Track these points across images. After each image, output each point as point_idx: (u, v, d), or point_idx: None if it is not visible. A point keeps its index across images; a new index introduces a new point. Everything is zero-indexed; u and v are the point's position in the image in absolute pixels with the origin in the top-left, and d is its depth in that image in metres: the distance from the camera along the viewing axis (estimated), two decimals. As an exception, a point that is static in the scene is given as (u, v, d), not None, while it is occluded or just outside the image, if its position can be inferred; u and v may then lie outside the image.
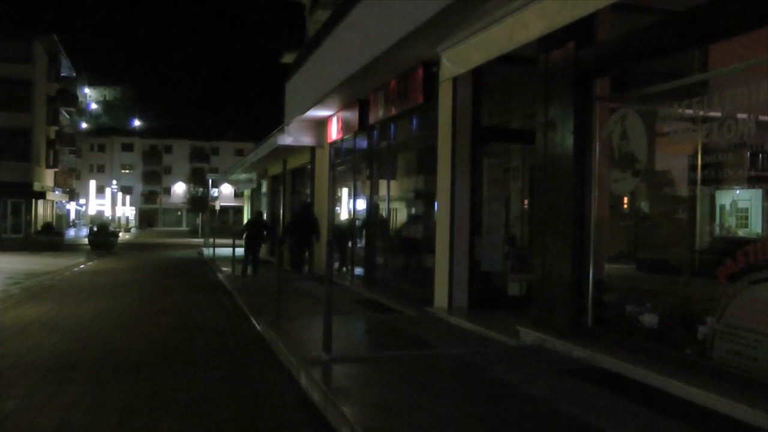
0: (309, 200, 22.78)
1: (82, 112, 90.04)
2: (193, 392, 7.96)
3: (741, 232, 7.64)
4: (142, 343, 10.88)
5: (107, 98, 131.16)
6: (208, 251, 34.19)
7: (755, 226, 7.51)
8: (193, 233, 73.30)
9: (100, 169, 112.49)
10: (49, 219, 54.77)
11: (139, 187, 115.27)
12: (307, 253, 21.68)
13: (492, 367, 8.16)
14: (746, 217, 7.63)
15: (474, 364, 8.36)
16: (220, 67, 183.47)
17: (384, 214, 16.60)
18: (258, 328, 11.82)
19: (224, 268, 24.03)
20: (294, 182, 27.59)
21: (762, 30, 6.74)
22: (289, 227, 21.45)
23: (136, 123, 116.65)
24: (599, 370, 8.01)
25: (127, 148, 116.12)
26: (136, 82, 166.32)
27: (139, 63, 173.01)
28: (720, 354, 7.18)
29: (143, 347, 10.58)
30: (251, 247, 22.17)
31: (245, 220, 43.63)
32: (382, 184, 16.88)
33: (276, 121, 23.55)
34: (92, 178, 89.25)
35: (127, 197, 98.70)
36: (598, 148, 9.05)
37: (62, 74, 65.49)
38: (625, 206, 9.62)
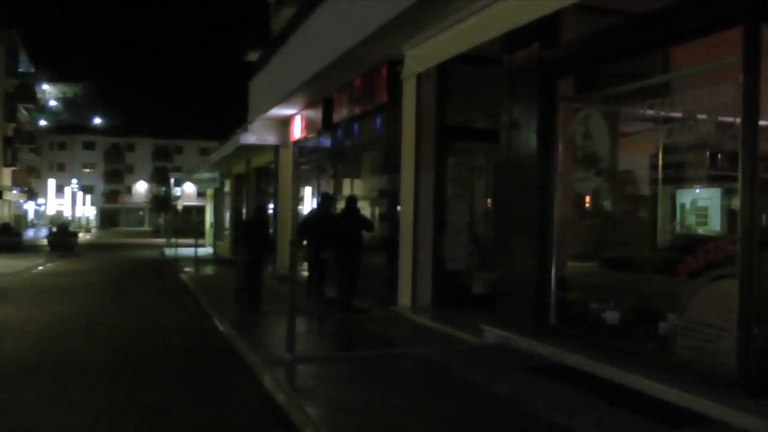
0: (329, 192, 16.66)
1: (42, 109, 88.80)
2: (155, 396, 7.87)
3: (701, 230, 7.75)
4: (103, 347, 10.74)
5: (68, 95, 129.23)
6: (170, 251, 33.92)
7: (714, 224, 7.62)
8: (156, 233, 72.63)
9: (61, 167, 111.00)
10: (6, 219, 53.86)
11: (100, 186, 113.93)
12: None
13: (456, 366, 8.18)
14: (706, 215, 7.74)
15: (439, 364, 8.38)
16: (184, 65, 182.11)
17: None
18: (221, 329, 11.74)
19: (187, 269, 23.84)
20: (258, 181, 27.47)
21: (722, 34, 6.84)
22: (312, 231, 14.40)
23: (98, 121, 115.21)
24: (563, 367, 8.07)
25: (89, 146, 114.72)
26: (98, 78, 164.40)
27: (100, 59, 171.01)
28: (681, 349, 7.30)
29: (105, 351, 10.44)
30: (252, 264, 13.60)
31: (208, 219, 43.12)
32: (346, 183, 16.87)
33: (241, 119, 23.42)
34: (52, 177, 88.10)
35: (89, 197, 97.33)
36: (561, 148, 9.12)
37: (20, 70, 64.54)
38: (588, 205, 9.71)
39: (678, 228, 8.17)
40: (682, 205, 8.06)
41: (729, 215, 7.14)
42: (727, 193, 7.22)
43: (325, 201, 14.90)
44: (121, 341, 11.18)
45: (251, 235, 13.84)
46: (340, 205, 15.01)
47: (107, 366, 9.39)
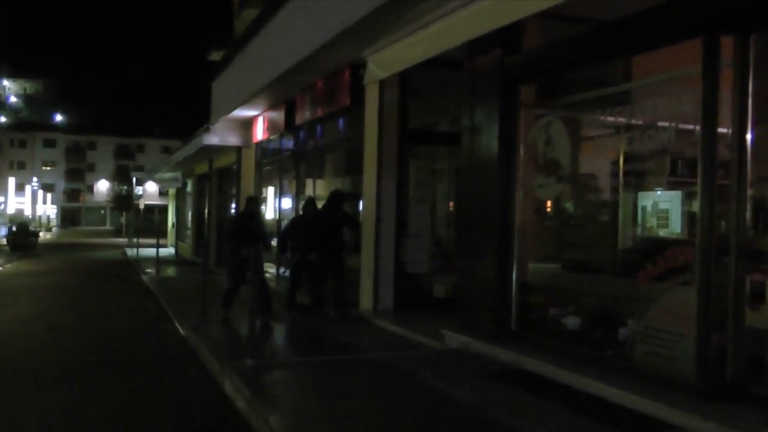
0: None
1: (2, 105, 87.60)
2: (114, 402, 7.78)
3: (662, 232, 7.81)
4: (61, 351, 10.60)
5: (28, 91, 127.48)
6: (132, 252, 33.60)
7: (675, 227, 7.68)
8: (117, 233, 72.03)
9: (21, 165, 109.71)
10: (-35, 218, 53.07)
11: (61, 185, 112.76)
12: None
13: (417, 372, 8.17)
14: (667, 218, 7.80)
15: (399, 369, 8.37)
16: (147, 63, 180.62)
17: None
18: (182, 332, 11.64)
19: (148, 270, 23.64)
20: (220, 182, 27.28)
21: (682, 44, 6.91)
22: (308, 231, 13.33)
23: (59, 118, 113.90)
24: (523, 372, 8.09)
25: (50, 144, 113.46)
26: (59, 75, 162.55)
27: (62, 56, 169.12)
28: (640, 355, 7.35)
29: (63, 355, 10.31)
30: (243, 266, 11.87)
31: (171, 219, 42.75)
32: (309, 184, 16.81)
33: (204, 118, 23.20)
34: (12, 175, 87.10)
35: (49, 195, 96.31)
36: (522, 154, 9.16)
37: (-21, 65, 63.54)
38: (549, 209, 9.75)
39: (640, 231, 8.23)
40: (644, 208, 8.13)
41: (690, 218, 7.20)
42: (688, 196, 7.28)
43: (309, 205, 13.99)
44: (79, 346, 11.04)
45: (245, 229, 12.81)
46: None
47: (64, 372, 9.26)
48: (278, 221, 19.34)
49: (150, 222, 55.99)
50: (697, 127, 6.68)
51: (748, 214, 6.50)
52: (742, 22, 6.42)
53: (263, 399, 7.05)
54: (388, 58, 10.58)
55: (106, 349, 10.80)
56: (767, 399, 6.17)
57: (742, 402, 6.31)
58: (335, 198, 12.98)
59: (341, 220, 12.88)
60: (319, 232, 12.72)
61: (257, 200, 14.53)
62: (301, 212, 14.67)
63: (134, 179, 42.15)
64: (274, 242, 16.73)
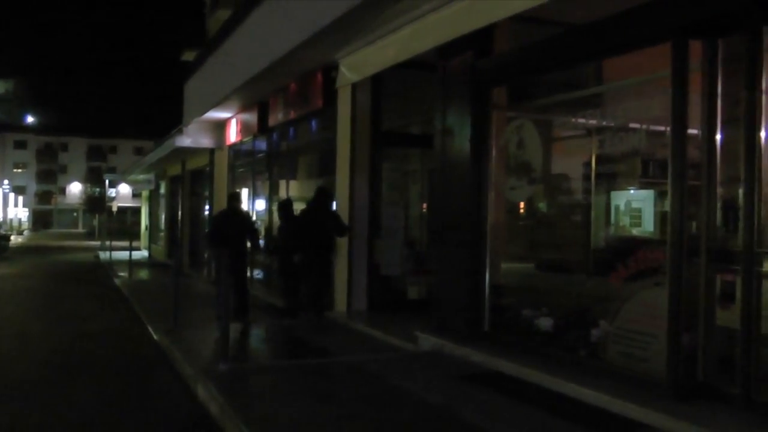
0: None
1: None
2: (86, 408, 7.71)
3: (635, 231, 7.87)
4: (33, 356, 10.50)
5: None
6: (105, 254, 33.33)
7: (648, 225, 7.75)
8: (90, 235, 71.44)
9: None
10: (-66, 221, 52.42)
11: (32, 187, 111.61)
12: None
13: (391, 375, 8.17)
14: (640, 216, 7.86)
15: (373, 372, 8.36)
16: (119, 62, 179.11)
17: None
18: (155, 337, 11.56)
19: (121, 273, 23.44)
20: (193, 184, 27.15)
21: (653, 48, 6.97)
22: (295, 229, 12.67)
23: (30, 119, 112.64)
24: (497, 374, 8.12)
25: (20, 145, 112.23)
26: (29, 75, 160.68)
27: (32, 55, 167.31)
28: (613, 355, 7.41)
29: (34, 360, 10.20)
30: (233, 269, 11.49)
31: (144, 221, 42.46)
32: (282, 186, 16.76)
33: (177, 118, 23.07)
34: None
35: (20, 197, 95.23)
36: (494, 156, 9.19)
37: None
38: (522, 210, 9.79)
39: (613, 230, 8.29)
40: (617, 207, 8.19)
41: (662, 217, 7.25)
42: (661, 195, 7.33)
43: (286, 206, 13.45)
44: (50, 351, 10.92)
45: (227, 229, 12.15)
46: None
47: (35, 377, 9.16)
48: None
49: (123, 224, 55.75)
50: (668, 129, 6.74)
51: (718, 215, 6.56)
52: (711, 27, 6.49)
53: (237, 404, 7.00)
54: (360, 62, 10.60)
55: (76, 355, 10.70)
56: (737, 397, 6.23)
57: (713, 400, 6.38)
58: (322, 195, 12.39)
59: (329, 220, 12.17)
60: (306, 232, 12.09)
61: (239, 197, 13.77)
62: (278, 214, 13.84)
63: (107, 181, 41.91)
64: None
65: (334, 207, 12.68)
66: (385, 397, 7.34)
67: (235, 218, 12.62)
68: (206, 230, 14.01)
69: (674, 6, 6.55)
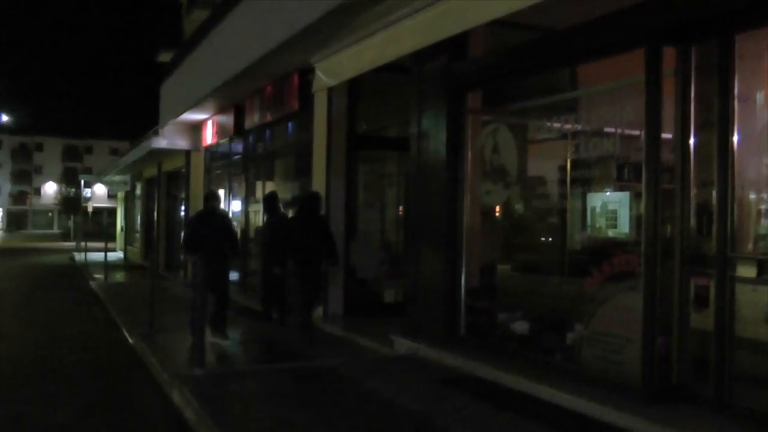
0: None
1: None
2: (60, 414, 7.63)
3: (611, 233, 7.91)
4: (4, 361, 10.38)
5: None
6: (80, 256, 33.06)
7: (624, 227, 7.79)
8: (66, 236, 70.87)
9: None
10: None
11: (7, 188, 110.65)
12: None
13: (366, 379, 8.17)
14: (615, 218, 7.90)
15: (348, 377, 8.36)
16: (95, 63, 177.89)
17: (260, 218, 16.39)
18: (130, 341, 11.48)
19: (97, 276, 23.23)
20: (169, 185, 27.03)
21: (627, 54, 7.01)
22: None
23: (5, 118, 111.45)
24: (473, 378, 8.13)
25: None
26: (4, 74, 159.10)
27: (7, 55, 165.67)
28: (588, 359, 7.44)
29: (5, 365, 10.10)
30: (212, 274, 10.21)
31: (119, 223, 42.13)
32: (258, 188, 16.70)
33: (153, 119, 22.93)
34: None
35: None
36: (470, 160, 9.21)
37: None
38: (498, 214, 9.81)
39: (589, 231, 8.33)
40: (593, 209, 8.23)
41: (638, 219, 7.29)
42: (636, 197, 7.37)
43: (272, 200, 12.84)
44: (24, 356, 10.82)
45: (206, 231, 10.96)
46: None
47: (8, 383, 9.07)
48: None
49: (98, 225, 55.24)
50: (643, 133, 6.79)
51: (692, 219, 6.61)
52: (684, 34, 6.55)
53: (212, 410, 6.97)
54: (336, 66, 10.59)
55: (50, 359, 10.59)
56: (712, 400, 6.27)
57: (687, 403, 6.43)
58: (312, 201, 11.44)
59: (319, 228, 11.23)
60: (296, 243, 11.03)
61: (217, 196, 12.18)
62: (264, 208, 13.34)
63: (82, 182, 41.56)
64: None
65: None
66: (361, 402, 7.33)
67: (213, 219, 11.32)
68: (187, 233, 11.68)
69: (648, 13, 6.60)
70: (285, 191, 16.13)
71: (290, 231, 11.30)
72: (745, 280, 6.22)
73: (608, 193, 8.03)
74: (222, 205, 13.23)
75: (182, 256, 19.10)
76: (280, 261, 11.76)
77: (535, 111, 8.86)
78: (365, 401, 7.36)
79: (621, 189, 7.87)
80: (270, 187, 16.33)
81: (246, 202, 17.34)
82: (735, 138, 6.27)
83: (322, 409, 7.08)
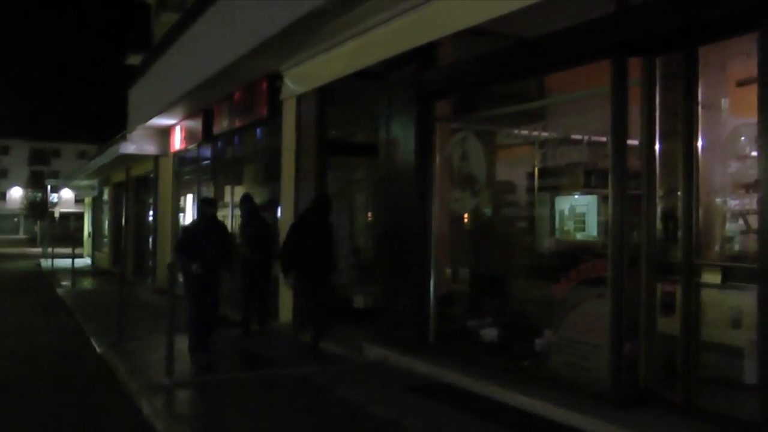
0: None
1: None
2: (26, 427, 7.55)
3: (579, 236, 8.00)
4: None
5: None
6: (47, 262, 32.71)
7: (591, 230, 7.88)
8: (32, 242, 70.06)
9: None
10: None
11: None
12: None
13: (337, 387, 8.18)
14: (584, 221, 7.99)
15: (319, 385, 8.37)
16: (63, 64, 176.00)
17: (229, 224, 16.32)
18: (99, 350, 11.36)
19: (64, 282, 23.00)
20: (138, 190, 26.83)
21: (593, 65, 7.13)
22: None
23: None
24: (442, 385, 8.16)
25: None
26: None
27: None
28: (556, 365, 7.51)
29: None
30: (203, 290, 10.02)
31: (87, 228, 41.71)
32: (227, 193, 16.64)
33: (121, 122, 22.68)
34: None
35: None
36: (439, 167, 9.25)
37: None
38: (467, 221, 9.85)
39: (558, 234, 8.40)
40: (561, 212, 8.31)
41: (606, 222, 7.36)
42: (604, 200, 7.45)
43: (248, 200, 12.14)
44: (-10, 366, 10.69)
45: (204, 243, 9.91)
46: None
47: (-25, 394, 8.96)
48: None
49: (66, 230, 54.73)
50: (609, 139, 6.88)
51: (659, 225, 6.70)
52: (648, 46, 6.65)
53: (182, 420, 6.96)
54: (305, 74, 10.59)
55: (16, 370, 10.44)
56: (679, 403, 6.38)
57: (655, 407, 6.52)
58: (323, 204, 10.26)
59: (329, 235, 10.18)
60: (306, 253, 9.85)
61: (214, 202, 11.26)
62: (240, 209, 12.50)
63: (49, 186, 41.13)
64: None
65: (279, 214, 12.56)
66: (332, 409, 7.34)
67: (210, 230, 10.26)
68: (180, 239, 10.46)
69: (614, 25, 6.69)
70: (255, 197, 16.08)
71: (299, 239, 9.98)
72: (711, 286, 6.31)
73: (576, 196, 8.11)
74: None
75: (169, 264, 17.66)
76: (293, 272, 10.11)
77: (503, 119, 8.91)
78: (336, 409, 7.37)
79: (589, 194, 7.97)
80: (239, 191, 16.28)
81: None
82: (700, 145, 6.37)
83: (292, 417, 7.09)
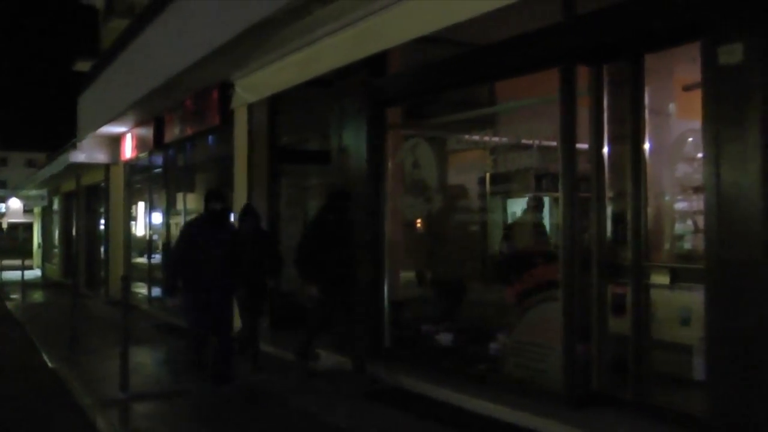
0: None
1: None
2: (-24, 445, 7.43)
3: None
4: None
5: None
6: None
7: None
8: (-21, 253, 68.77)
9: None
10: None
11: None
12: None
13: (293, 396, 8.16)
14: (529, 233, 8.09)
15: (274, 393, 8.34)
16: (6, 69, 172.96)
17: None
18: (51, 365, 11.17)
19: (13, 296, 22.54)
20: (88, 200, 26.46)
21: (543, 72, 7.20)
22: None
23: None
24: (399, 390, 8.20)
25: None
26: None
27: None
28: (511, 368, 7.58)
29: None
30: (211, 309, 8.77)
31: (36, 239, 41.02)
32: (180, 201, 16.51)
33: (71, 129, 22.32)
34: None
35: None
36: (391, 174, 9.28)
37: None
38: (421, 226, 9.90)
39: (506, 247, 8.49)
40: (513, 214, 8.41)
41: (557, 225, 7.46)
42: (556, 201, 7.55)
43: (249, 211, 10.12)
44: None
45: (210, 248, 8.41)
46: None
47: None
48: (149, 237, 18.96)
49: (14, 241, 53.74)
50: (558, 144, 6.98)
51: (608, 228, 6.81)
52: (596, 54, 6.76)
53: (136, 434, 6.90)
54: (256, 83, 10.57)
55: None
56: (631, 402, 6.50)
57: (608, 406, 6.64)
58: (340, 199, 8.84)
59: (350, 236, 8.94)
60: (324, 257, 8.69)
61: (222, 196, 9.00)
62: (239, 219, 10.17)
63: (-6, 196, 40.39)
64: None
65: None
66: (289, 420, 7.33)
67: (217, 230, 8.63)
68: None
69: (562, 34, 6.81)
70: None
71: (315, 242, 8.80)
72: (660, 287, 6.43)
73: (528, 197, 8.22)
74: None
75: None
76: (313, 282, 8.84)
77: (455, 125, 8.99)
78: (292, 418, 7.36)
79: (540, 204, 8.08)
80: (192, 198, 16.16)
81: (167, 215, 17.10)
82: (647, 148, 6.50)
83: (245, 429, 7.06)
